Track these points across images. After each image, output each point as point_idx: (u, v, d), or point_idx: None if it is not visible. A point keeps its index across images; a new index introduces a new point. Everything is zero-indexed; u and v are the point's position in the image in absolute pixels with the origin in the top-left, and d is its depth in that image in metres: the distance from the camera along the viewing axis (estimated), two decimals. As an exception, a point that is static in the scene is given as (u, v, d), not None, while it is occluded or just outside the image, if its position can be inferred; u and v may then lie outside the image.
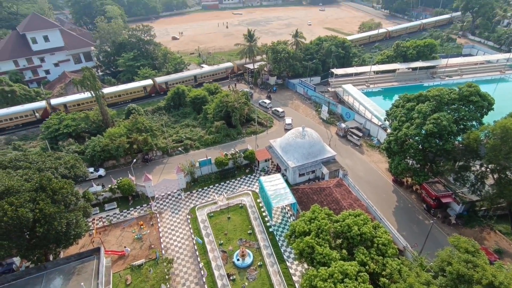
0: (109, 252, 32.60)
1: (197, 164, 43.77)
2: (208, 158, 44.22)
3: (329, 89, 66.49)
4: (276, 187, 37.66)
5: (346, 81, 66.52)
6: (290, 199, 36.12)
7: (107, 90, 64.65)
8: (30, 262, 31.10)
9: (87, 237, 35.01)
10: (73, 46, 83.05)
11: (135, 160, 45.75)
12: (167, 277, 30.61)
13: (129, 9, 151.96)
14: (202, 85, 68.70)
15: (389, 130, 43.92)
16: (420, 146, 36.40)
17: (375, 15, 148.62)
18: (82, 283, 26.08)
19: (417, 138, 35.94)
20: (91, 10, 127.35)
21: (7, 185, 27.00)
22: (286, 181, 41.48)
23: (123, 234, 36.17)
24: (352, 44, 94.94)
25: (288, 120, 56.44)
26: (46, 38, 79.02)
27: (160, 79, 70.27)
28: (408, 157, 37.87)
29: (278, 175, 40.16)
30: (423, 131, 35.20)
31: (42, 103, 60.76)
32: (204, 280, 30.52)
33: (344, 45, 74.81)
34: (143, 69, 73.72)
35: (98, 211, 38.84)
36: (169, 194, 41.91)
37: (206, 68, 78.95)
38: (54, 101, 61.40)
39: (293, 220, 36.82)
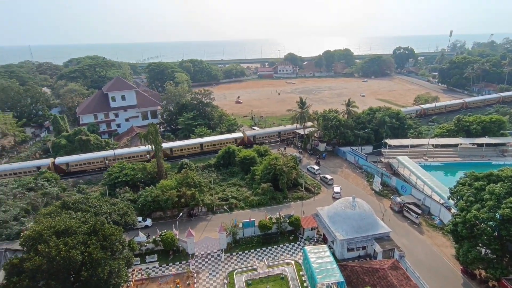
0: (142, 309, 31.39)
1: (240, 225, 42.83)
2: (252, 220, 43.20)
3: (382, 159, 63.81)
4: (322, 261, 34.46)
5: (401, 152, 63.53)
6: (337, 276, 32.44)
7: (206, 139, 74.15)
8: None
9: (124, 289, 34.49)
10: (144, 105, 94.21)
11: (181, 214, 46.50)
12: None
13: (194, 76, 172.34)
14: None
15: (454, 210, 39.30)
16: (495, 233, 31.46)
17: (431, 89, 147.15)
18: None
19: (491, 223, 31.35)
20: (163, 76, 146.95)
21: (67, 225, 28.84)
22: (333, 254, 37.94)
23: (158, 291, 35.03)
24: (428, 112, 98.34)
25: (336, 188, 54.19)
26: (123, 97, 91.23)
27: (249, 133, 79.03)
28: (480, 245, 32.69)
29: (325, 247, 37.06)
30: (498, 216, 30.75)
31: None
32: None
33: (398, 116, 73.62)
34: (199, 128, 79.67)
35: (139, 262, 38.76)
36: (208, 253, 40.75)
37: (288, 126, 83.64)
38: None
39: (340, 302, 32.51)
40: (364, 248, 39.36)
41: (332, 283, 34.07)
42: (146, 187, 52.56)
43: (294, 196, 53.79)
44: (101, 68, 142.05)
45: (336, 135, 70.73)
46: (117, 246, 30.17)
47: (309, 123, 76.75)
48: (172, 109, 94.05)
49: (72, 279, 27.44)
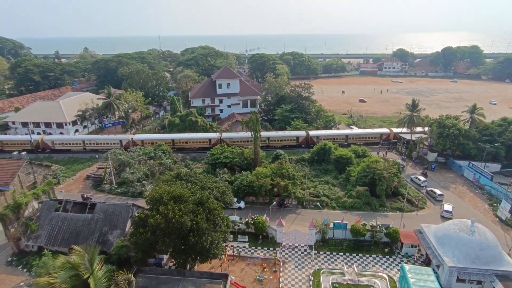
0: (233, 283, 33.74)
1: (331, 225, 41.53)
2: (345, 222, 41.33)
3: (514, 182, 52.19)
4: (424, 284, 30.64)
5: (544, 177, 50.76)
6: (443, 307, 28.38)
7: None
8: (173, 264, 36.04)
9: (217, 261, 37.61)
10: (245, 93, 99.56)
11: (274, 202, 47.83)
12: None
13: (293, 69, 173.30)
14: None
15: None
16: None
17: None
18: (208, 304, 27.61)
19: None
20: (264, 67, 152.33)
21: (181, 193, 32.92)
22: (437, 280, 33.26)
23: (247, 270, 37.07)
24: None
25: (447, 207, 47.02)
26: (228, 85, 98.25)
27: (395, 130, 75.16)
28: None
29: (429, 270, 32.79)
30: None
31: (302, 132, 73.81)
32: None
33: (544, 132, 58.77)
34: (296, 121, 79.90)
35: (232, 240, 41.68)
36: (296, 246, 40.97)
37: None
38: (311, 133, 73.59)
39: (442, 336, 28.41)
40: (479, 283, 33.20)
41: (434, 312, 30.09)
42: (243, 171, 55.83)
43: (392, 206, 49.09)
44: (211, 57, 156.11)
45: (453, 146, 60.97)
46: (218, 221, 32.92)
47: (419, 129, 68.26)
48: (271, 99, 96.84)
49: (181, 241, 31.21)
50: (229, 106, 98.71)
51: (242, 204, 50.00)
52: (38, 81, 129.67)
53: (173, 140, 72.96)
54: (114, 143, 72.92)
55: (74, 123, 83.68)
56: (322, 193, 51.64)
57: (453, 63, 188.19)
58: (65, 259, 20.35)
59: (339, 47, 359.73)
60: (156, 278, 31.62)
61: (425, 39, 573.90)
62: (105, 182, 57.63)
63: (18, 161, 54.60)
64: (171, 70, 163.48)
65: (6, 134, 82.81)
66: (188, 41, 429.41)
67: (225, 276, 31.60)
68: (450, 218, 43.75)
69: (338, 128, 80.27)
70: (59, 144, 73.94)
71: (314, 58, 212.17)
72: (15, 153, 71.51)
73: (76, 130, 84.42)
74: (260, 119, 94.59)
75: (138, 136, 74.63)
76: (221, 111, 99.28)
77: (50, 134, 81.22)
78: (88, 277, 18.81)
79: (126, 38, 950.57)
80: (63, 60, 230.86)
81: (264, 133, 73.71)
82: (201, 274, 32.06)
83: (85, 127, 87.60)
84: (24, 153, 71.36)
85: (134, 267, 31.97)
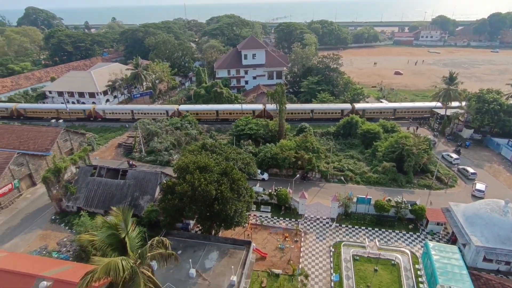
0: (255, 250, 35.20)
1: (355, 199, 41.40)
2: (369, 197, 41.00)
3: (558, 163, 48.64)
4: (448, 262, 30.29)
5: None
6: (466, 284, 28.04)
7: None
8: (199, 229, 38.01)
9: (240, 228, 39.13)
10: (271, 64, 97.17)
11: (297, 175, 48.11)
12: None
13: (322, 38, 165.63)
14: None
15: None
16: None
17: None
18: (232, 267, 29.20)
19: None
20: (291, 37, 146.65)
21: (206, 163, 33.88)
22: (462, 258, 32.76)
23: (269, 239, 38.36)
24: None
25: (480, 186, 45.02)
26: (254, 56, 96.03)
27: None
28: None
29: (454, 248, 32.27)
30: None
31: (347, 105, 71.66)
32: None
33: None
34: (322, 93, 77.62)
35: (255, 209, 42.93)
36: (317, 218, 41.55)
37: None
38: (357, 106, 71.24)
39: (462, 313, 28.41)
40: (508, 263, 32.35)
41: (456, 289, 29.91)
42: (267, 143, 56.00)
43: (420, 183, 47.76)
44: (237, 26, 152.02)
45: (491, 122, 57.06)
46: (242, 191, 33.85)
47: (455, 103, 64.17)
48: (297, 71, 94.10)
49: (207, 209, 32.61)
50: (254, 78, 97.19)
51: (265, 176, 50.72)
52: (70, 52, 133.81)
53: (217, 111, 73.84)
54: (161, 113, 74.97)
55: (105, 93, 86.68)
56: (346, 168, 51.06)
57: (501, 31, 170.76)
58: (104, 219, 22.04)
59: (372, 15, 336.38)
60: (184, 241, 33.65)
61: (473, 2, 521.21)
62: (135, 150, 60.31)
63: (56, 128, 58.15)
64: (196, 40, 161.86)
65: (44, 103, 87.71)
66: (213, 9, 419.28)
67: (248, 243, 33.00)
68: (481, 198, 42.11)
69: (367, 102, 77.22)
70: (110, 113, 77.23)
71: (344, 26, 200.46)
72: (53, 121, 75.98)
73: (107, 100, 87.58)
74: (285, 91, 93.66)
75: (184, 107, 76.14)
76: (246, 82, 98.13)
77: (83, 103, 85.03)
78: (124, 236, 20.33)
79: (151, 7, 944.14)
80: (92, 30, 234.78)
81: (308, 106, 73.01)
82: (225, 240, 33.69)
83: (115, 97, 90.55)
84: (61, 121, 75.62)
85: (163, 230, 34.14)
